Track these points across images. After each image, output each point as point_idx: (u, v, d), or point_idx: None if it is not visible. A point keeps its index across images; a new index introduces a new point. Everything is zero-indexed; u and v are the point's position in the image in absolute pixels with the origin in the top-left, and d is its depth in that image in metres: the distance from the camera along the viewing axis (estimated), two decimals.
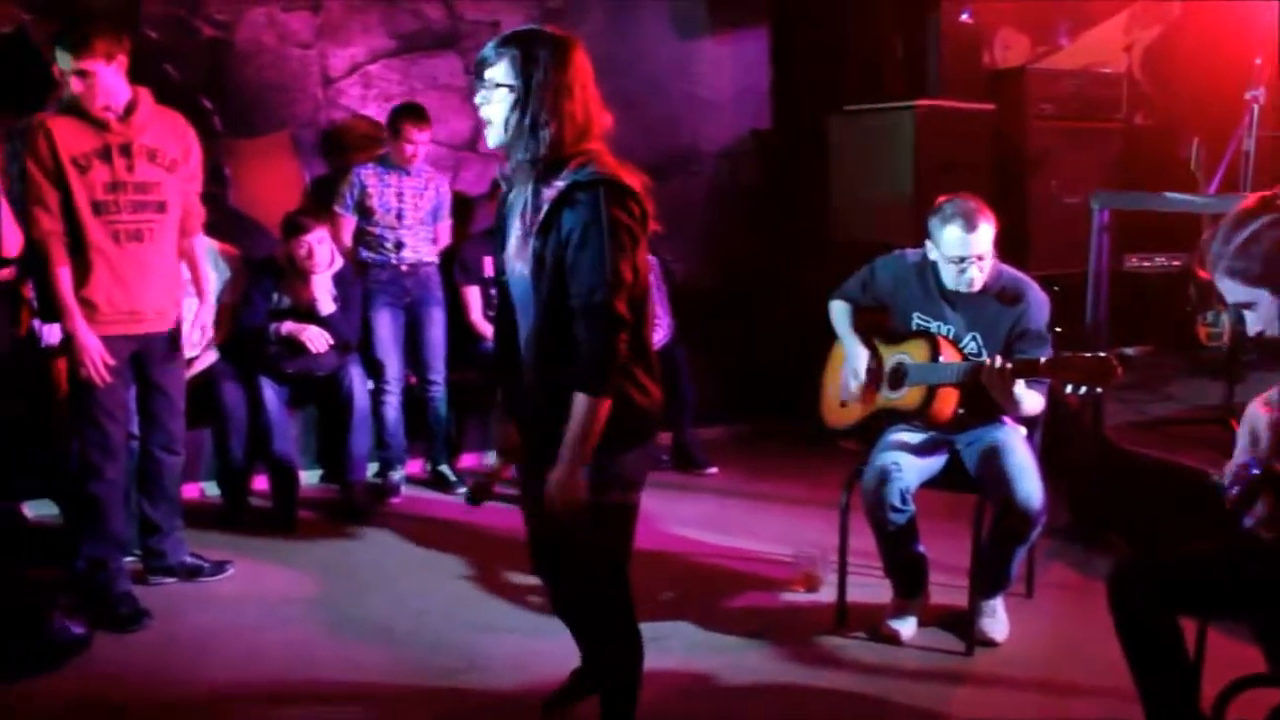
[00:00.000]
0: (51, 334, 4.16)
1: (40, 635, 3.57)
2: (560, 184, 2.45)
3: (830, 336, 3.95)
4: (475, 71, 2.50)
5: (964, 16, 5.96)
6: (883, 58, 6.11)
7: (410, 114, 5.24)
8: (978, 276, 3.55)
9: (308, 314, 4.94)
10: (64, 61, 3.60)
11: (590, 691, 2.99)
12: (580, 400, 2.45)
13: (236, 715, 3.24)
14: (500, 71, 2.44)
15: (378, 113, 5.61)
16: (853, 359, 3.80)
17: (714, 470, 5.64)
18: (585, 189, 2.42)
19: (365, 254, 5.29)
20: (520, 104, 2.43)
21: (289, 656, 3.59)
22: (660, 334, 5.50)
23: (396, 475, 5.31)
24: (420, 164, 5.32)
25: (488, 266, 5.38)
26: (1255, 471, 2.38)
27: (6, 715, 3.20)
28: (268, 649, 3.64)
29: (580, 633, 2.94)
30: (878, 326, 3.80)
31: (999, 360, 3.35)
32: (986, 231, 3.50)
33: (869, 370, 3.76)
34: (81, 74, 3.60)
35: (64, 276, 3.67)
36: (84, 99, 3.63)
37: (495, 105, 2.46)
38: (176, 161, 3.85)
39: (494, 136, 2.50)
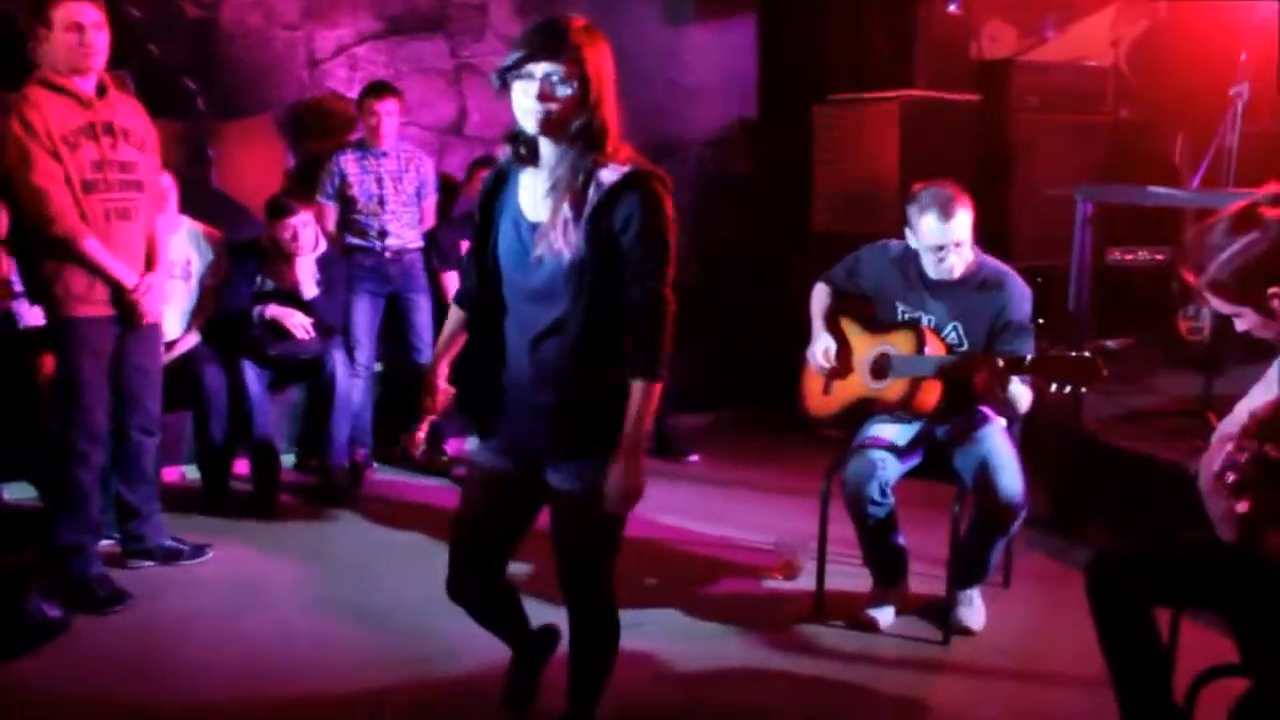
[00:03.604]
0: (31, 315, 4.13)
1: (16, 618, 3.57)
2: (613, 173, 2.40)
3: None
4: (523, 59, 2.36)
5: (951, 7, 5.97)
6: (868, 47, 6.10)
7: (370, 89, 5.27)
8: (957, 264, 3.55)
9: (291, 297, 4.93)
10: (59, 16, 3.51)
11: (537, 668, 2.98)
12: (638, 387, 2.44)
13: (214, 699, 3.24)
14: (563, 68, 2.36)
15: None
16: (813, 343, 3.79)
17: (695, 458, 5.65)
18: (643, 180, 2.40)
19: (350, 239, 5.28)
20: (584, 98, 2.37)
21: (267, 640, 3.58)
22: None
23: (363, 453, 5.33)
24: (397, 143, 5.30)
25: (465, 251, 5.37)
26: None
27: None
28: (246, 633, 3.64)
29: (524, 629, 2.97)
30: (864, 316, 3.80)
31: (998, 360, 3.34)
32: (964, 218, 3.50)
33: (838, 357, 3.75)
34: (79, 28, 3.53)
35: (95, 245, 3.64)
36: (77, 55, 3.55)
37: (559, 98, 2.36)
38: (145, 142, 3.83)
39: (542, 124, 2.38)
